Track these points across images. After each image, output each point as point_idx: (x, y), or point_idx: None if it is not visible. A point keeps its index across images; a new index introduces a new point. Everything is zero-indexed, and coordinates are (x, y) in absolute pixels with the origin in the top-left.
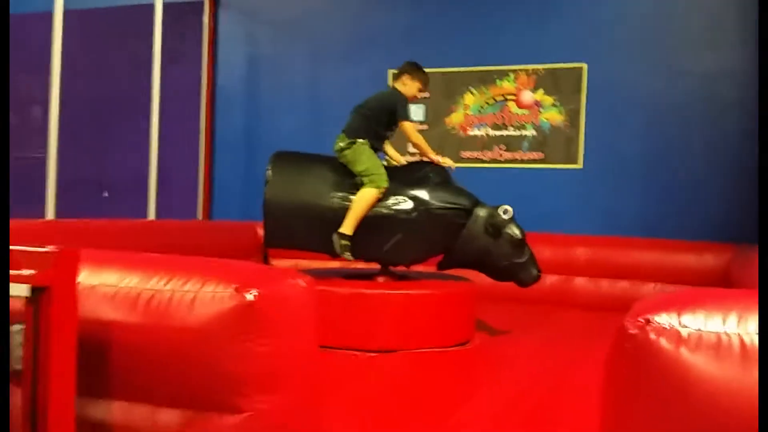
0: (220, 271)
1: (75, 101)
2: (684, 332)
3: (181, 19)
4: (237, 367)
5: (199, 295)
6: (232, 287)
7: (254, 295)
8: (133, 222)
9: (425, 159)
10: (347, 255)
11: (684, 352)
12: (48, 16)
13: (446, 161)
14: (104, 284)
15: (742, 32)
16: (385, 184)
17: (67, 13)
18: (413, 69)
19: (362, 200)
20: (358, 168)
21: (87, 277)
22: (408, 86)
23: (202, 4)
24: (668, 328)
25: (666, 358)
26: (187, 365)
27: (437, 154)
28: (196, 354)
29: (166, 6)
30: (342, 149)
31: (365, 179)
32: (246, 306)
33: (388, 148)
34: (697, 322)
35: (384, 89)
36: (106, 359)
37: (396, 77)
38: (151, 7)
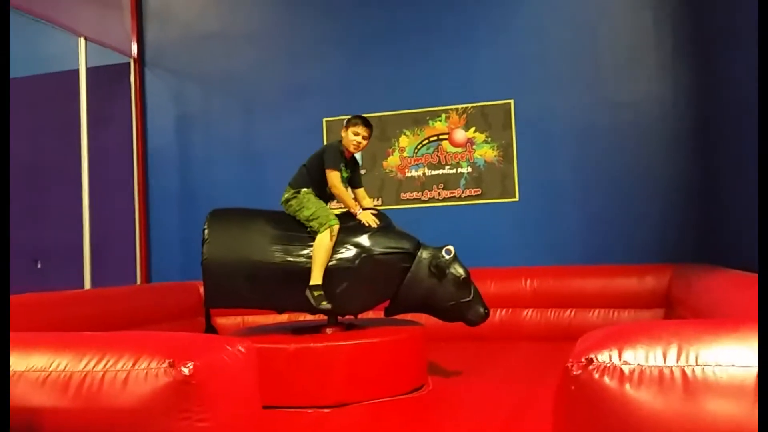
0: (153, 345)
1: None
2: (626, 369)
3: (108, 82)
4: None
5: (132, 373)
6: (166, 362)
7: (190, 369)
8: (67, 293)
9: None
10: (324, 305)
11: (627, 388)
12: None
13: (367, 218)
14: (33, 369)
15: (661, 57)
16: (335, 222)
17: None
18: (349, 119)
19: (320, 247)
20: (305, 214)
21: (15, 363)
22: (345, 136)
23: (128, 65)
24: (610, 366)
25: (610, 396)
26: None
27: (373, 199)
28: None
29: (91, 70)
30: (287, 200)
31: (314, 223)
32: (182, 380)
33: (359, 193)
34: (638, 357)
35: (324, 141)
36: None
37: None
38: (76, 73)
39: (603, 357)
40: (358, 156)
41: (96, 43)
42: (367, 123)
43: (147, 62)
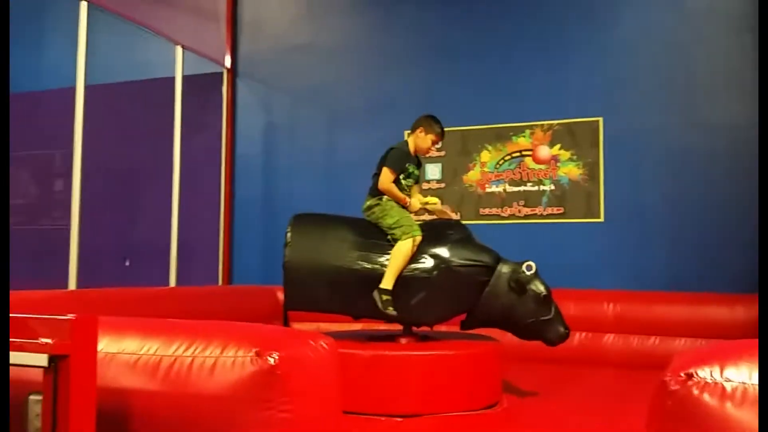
0: (240, 335)
1: (97, 172)
2: (728, 386)
3: (201, 90)
4: None
5: (220, 360)
6: (253, 351)
7: (275, 359)
8: (153, 290)
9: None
10: (390, 310)
11: (729, 407)
12: (71, 92)
13: (420, 202)
14: (125, 352)
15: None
16: (418, 233)
17: (89, 88)
18: (427, 121)
19: (399, 253)
20: (389, 221)
21: (107, 345)
22: (421, 139)
23: (221, 75)
24: (711, 382)
25: (711, 414)
26: None
27: (453, 211)
28: (218, 421)
29: (186, 78)
30: (369, 207)
31: (398, 231)
32: (267, 370)
33: (416, 196)
34: (741, 375)
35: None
36: (127, 429)
37: (411, 130)
38: (172, 80)
39: (704, 373)
40: (439, 168)
41: (192, 52)
42: (444, 133)
43: (239, 72)
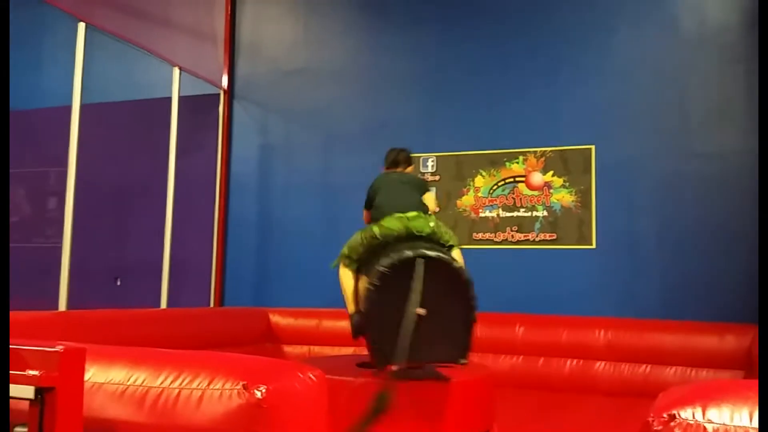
0: (228, 367)
1: (91, 190)
2: (710, 428)
3: (198, 111)
4: None
5: (207, 393)
6: (240, 384)
7: (262, 392)
8: (144, 311)
9: None
10: None
11: None
12: (67, 110)
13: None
14: (112, 382)
15: (751, 111)
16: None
17: (85, 107)
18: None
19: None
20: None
21: (95, 375)
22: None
23: (218, 96)
24: (693, 423)
25: None
26: None
27: None
28: None
29: (183, 99)
30: (434, 223)
31: (453, 240)
32: (254, 404)
33: None
34: (723, 417)
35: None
36: None
37: (409, 164)
38: (168, 101)
39: (686, 414)
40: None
41: (190, 74)
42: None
43: (236, 94)
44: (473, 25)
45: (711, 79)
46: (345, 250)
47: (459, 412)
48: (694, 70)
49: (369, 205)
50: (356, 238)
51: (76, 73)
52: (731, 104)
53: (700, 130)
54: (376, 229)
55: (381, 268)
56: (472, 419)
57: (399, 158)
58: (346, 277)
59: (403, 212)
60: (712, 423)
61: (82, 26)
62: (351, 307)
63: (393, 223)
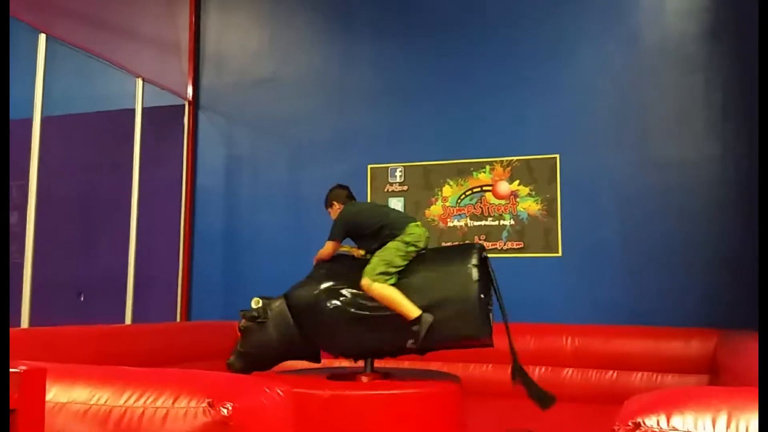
0: (193, 384)
1: (54, 204)
2: None
3: (162, 122)
4: None
5: (172, 411)
6: (205, 401)
7: (228, 410)
8: (109, 327)
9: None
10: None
11: None
12: (27, 123)
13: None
14: (75, 401)
15: (712, 119)
16: None
17: (46, 120)
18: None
19: None
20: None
21: (57, 394)
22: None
23: (183, 107)
24: (658, 431)
25: None
26: None
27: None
28: None
29: (147, 110)
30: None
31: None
32: (220, 421)
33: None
34: (686, 424)
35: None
36: None
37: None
38: (132, 112)
39: (651, 422)
40: (401, 202)
41: (153, 85)
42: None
43: (201, 105)
44: (439, 37)
45: (671, 89)
46: (381, 267)
47: (430, 423)
48: (654, 81)
49: (349, 235)
50: (391, 253)
51: (36, 85)
52: (690, 113)
53: (660, 140)
54: (408, 239)
55: (473, 262)
56: (442, 430)
57: (350, 191)
58: (389, 289)
59: (411, 221)
60: (676, 430)
61: (42, 38)
62: (414, 310)
63: (418, 230)
